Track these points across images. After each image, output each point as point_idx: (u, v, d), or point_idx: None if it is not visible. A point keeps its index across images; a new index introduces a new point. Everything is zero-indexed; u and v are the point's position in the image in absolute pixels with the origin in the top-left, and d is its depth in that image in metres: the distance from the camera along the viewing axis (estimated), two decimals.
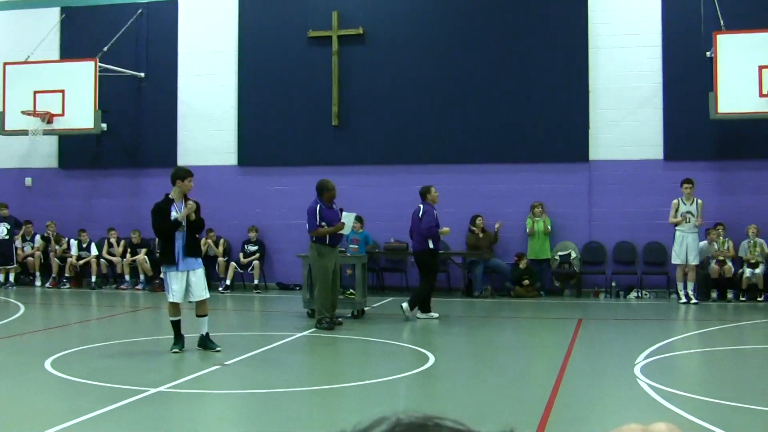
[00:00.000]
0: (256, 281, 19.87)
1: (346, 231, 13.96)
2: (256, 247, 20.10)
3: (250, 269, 19.97)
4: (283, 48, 20.58)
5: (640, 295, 18.13)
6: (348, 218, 13.84)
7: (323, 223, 13.52)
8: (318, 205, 13.63)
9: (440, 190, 18.96)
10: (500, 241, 19.27)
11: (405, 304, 14.63)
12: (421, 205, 14.82)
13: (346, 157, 20.08)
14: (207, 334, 11.26)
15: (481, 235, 18.94)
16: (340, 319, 13.99)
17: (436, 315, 14.71)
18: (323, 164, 19.85)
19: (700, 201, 17.27)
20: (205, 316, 11.25)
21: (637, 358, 10.60)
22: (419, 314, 14.65)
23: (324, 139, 20.31)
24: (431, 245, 14.55)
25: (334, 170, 19.01)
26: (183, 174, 11.27)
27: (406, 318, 14.51)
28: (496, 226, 18.95)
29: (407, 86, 19.97)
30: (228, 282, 19.73)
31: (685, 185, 17.34)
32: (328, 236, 13.58)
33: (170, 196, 11.21)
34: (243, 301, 18.49)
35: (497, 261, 19.02)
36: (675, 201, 17.36)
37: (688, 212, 17.19)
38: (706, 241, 17.76)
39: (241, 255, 20.14)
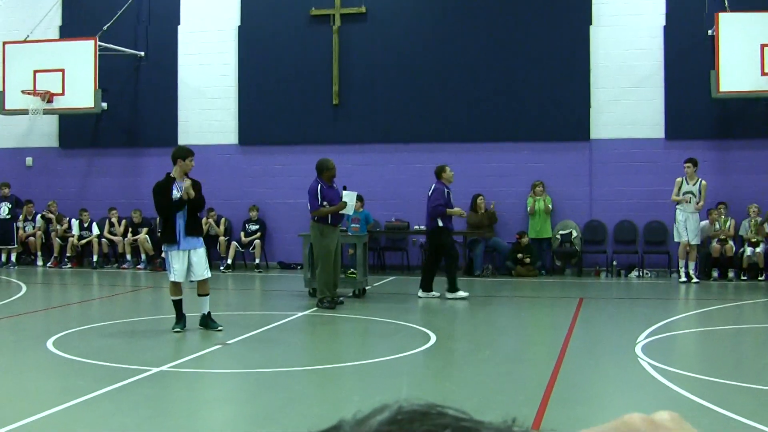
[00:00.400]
0: (257, 260, 19.89)
1: (348, 210, 13.88)
2: (257, 227, 20.10)
3: (251, 248, 19.98)
4: (284, 26, 20.52)
5: (641, 274, 18.14)
6: (349, 197, 13.76)
7: (324, 203, 13.46)
8: (319, 185, 13.57)
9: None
10: (501, 220, 19.26)
11: (449, 294, 14.61)
12: (434, 184, 14.75)
13: (346, 136, 20.05)
14: (208, 313, 11.26)
15: (482, 214, 18.90)
16: (341, 299, 13.97)
17: (437, 294, 14.69)
18: (323, 143, 19.82)
19: (704, 182, 17.16)
20: (206, 295, 11.25)
21: (638, 337, 10.59)
22: (420, 293, 14.64)
23: (324, 118, 20.28)
24: (440, 223, 14.45)
25: (334, 149, 18.97)
26: (184, 153, 11.24)
27: (445, 298, 14.52)
28: (491, 205, 18.96)
29: (408, 65, 19.91)
30: (229, 261, 19.75)
31: (687, 164, 17.26)
32: (329, 216, 13.53)
33: (171, 175, 11.18)
34: (244, 280, 18.49)
35: (498, 240, 19.02)
36: (679, 179, 17.30)
37: (690, 192, 17.13)
38: (707, 221, 17.76)
39: (242, 234, 20.16)
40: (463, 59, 19.68)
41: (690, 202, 17.02)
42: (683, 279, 17.03)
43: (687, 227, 17.07)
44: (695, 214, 17.17)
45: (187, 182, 11.07)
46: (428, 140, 19.72)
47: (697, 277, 16.98)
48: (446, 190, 14.65)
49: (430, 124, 19.77)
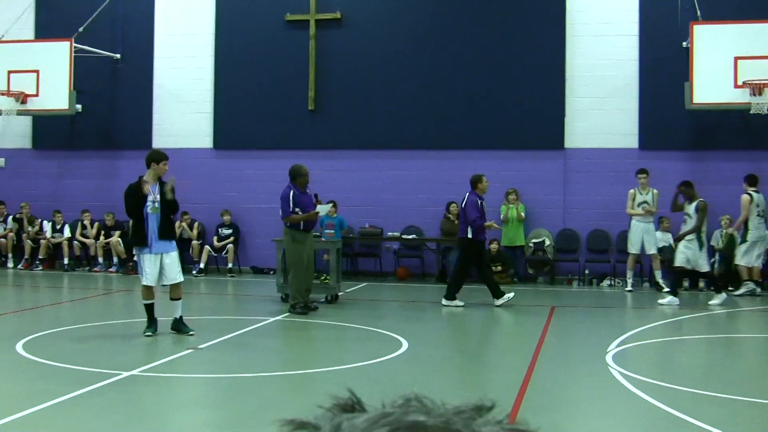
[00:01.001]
0: (230, 265, 19.84)
1: (322, 211, 13.93)
2: (230, 231, 20.07)
3: (224, 253, 19.95)
4: (260, 31, 20.52)
5: (613, 283, 18.22)
6: (322, 208, 13.90)
7: (297, 209, 13.45)
8: (291, 191, 13.53)
9: (415, 176, 19.40)
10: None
11: (443, 302, 14.67)
12: (467, 194, 14.71)
13: (321, 141, 20.05)
14: (180, 317, 11.22)
15: (455, 221, 18.89)
16: (315, 305, 13.96)
17: (461, 304, 14.63)
18: (299, 148, 19.80)
19: (655, 191, 17.38)
20: (178, 299, 11.21)
21: (609, 345, 10.67)
22: (444, 302, 14.65)
23: (300, 124, 20.26)
24: (470, 234, 14.45)
25: (309, 154, 18.99)
26: (158, 157, 11.20)
27: (459, 307, 14.54)
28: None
29: (384, 71, 19.95)
30: (202, 265, 19.69)
31: (641, 175, 17.46)
32: (301, 222, 13.51)
33: (144, 179, 11.14)
34: (217, 284, 18.43)
35: None
36: (632, 191, 17.48)
37: (644, 202, 17.33)
38: (660, 231, 17.97)
39: (215, 238, 20.14)
40: (439, 67, 19.72)
41: (647, 211, 17.23)
42: (629, 288, 17.26)
43: (644, 238, 17.25)
44: (650, 223, 17.41)
45: (172, 179, 11.05)
46: (403, 147, 19.78)
47: (670, 287, 16.94)
48: (480, 201, 14.62)
49: (405, 130, 19.81)
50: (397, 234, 19.23)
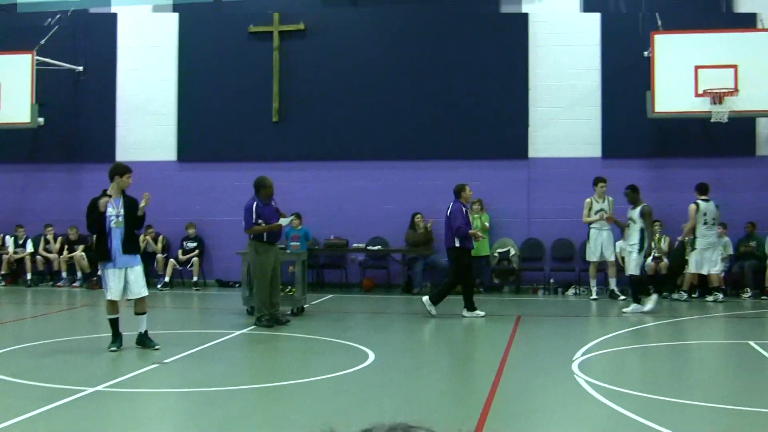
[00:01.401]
0: (195, 278, 19.75)
1: (284, 222, 13.88)
2: (195, 244, 20.00)
3: (189, 266, 19.86)
4: (224, 43, 20.49)
5: (578, 291, 18.33)
6: (285, 220, 13.84)
7: (260, 221, 13.45)
8: (255, 203, 13.55)
9: (380, 187, 19.41)
10: (440, 238, 19.06)
11: (425, 298, 14.82)
12: (452, 203, 14.79)
13: (286, 153, 20.02)
14: (145, 332, 11.16)
15: (420, 232, 18.96)
16: (287, 318, 13.97)
17: (482, 313, 14.71)
18: (263, 160, 19.77)
19: (611, 198, 17.61)
20: (143, 313, 11.15)
21: (575, 354, 10.72)
22: (465, 313, 14.68)
23: (264, 135, 20.24)
24: (457, 243, 14.53)
25: (274, 166, 18.95)
26: (122, 170, 11.15)
27: (430, 314, 14.55)
28: (429, 223, 19.02)
29: (347, 83, 19.97)
30: (167, 279, 19.60)
31: (600, 184, 17.66)
32: (265, 233, 13.48)
33: (108, 192, 11.07)
34: (182, 298, 18.35)
35: (436, 258, 19.03)
36: (588, 200, 17.66)
37: (602, 210, 17.53)
38: (621, 240, 17.95)
39: (180, 251, 20.04)
40: (402, 78, 19.79)
41: (608, 219, 17.44)
42: (593, 296, 17.40)
43: (602, 245, 17.47)
44: (609, 231, 17.59)
45: (146, 196, 11.00)
46: (368, 158, 19.81)
47: (622, 293, 17.35)
48: (465, 209, 14.76)
49: (369, 141, 19.84)
50: (362, 245, 19.24)
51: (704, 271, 16.99)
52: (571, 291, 18.43)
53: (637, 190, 15.45)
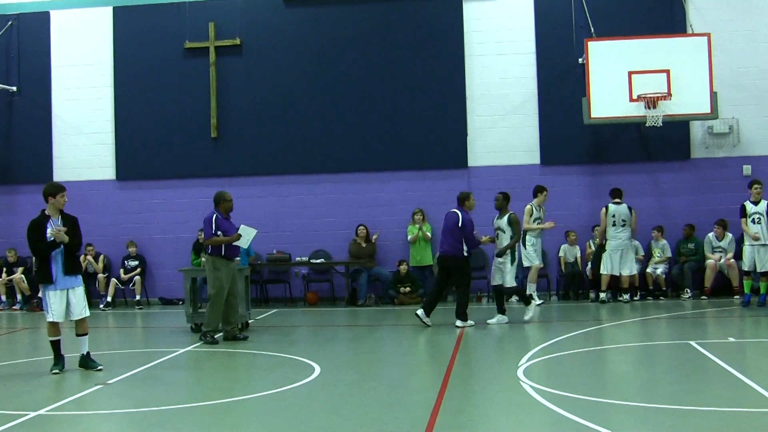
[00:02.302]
0: (137, 297, 19.62)
1: (242, 244, 13.79)
2: (136, 262, 19.85)
3: (131, 285, 19.73)
4: (160, 59, 20.44)
5: (520, 298, 18.19)
6: (246, 232, 13.73)
7: (219, 233, 13.45)
8: (214, 215, 13.56)
9: (321, 200, 19.58)
10: (383, 249, 19.46)
11: (458, 321, 14.49)
12: (458, 212, 14.63)
13: (225, 168, 20.05)
14: (88, 353, 11.03)
15: (363, 244, 19.00)
16: (245, 334, 13.94)
17: (472, 323, 14.61)
18: (203, 176, 19.94)
19: (543, 208, 17.87)
20: (85, 335, 11.02)
21: (520, 360, 10.76)
22: (457, 322, 14.50)
23: (203, 151, 20.20)
24: (466, 252, 14.51)
25: (213, 182, 19.22)
26: (53, 190, 11.00)
27: (456, 327, 14.41)
28: (373, 237, 19.12)
29: (285, 96, 20.04)
30: (109, 299, 19.40)
31: (545, 192, 17.83)
32: (223, 248, 13.48)
33: (46, 213, 10.93)
34: (125, 317, 18.14)
35: (380, 269, 19.16)
36: (528, 207, 17.74)
37: (539, 218, 17.73)
38: (566, 244, 18.74)
39: (121, 271, 19.88)
40: (340, 90, 19.87)
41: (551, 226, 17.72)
42: (539, 302, 17.63)
43: (536, 250, 17.68)
44: (540, 238, 17.85)
45: (60, 228, 10.80)
46: (308, 171, 19.89)
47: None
48: (470, 218, 14.68)
49: (310, 155, 19.89)
50: (305, 259, 19.24)
51: (616, 272, 17.40)
52: (513, 298, 18.28)
53: (508, 198, 15.30)
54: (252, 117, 20.17)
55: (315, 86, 20.00)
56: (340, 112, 19.89)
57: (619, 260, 17.39)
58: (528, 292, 17.61)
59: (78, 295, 10.92)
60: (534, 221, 17.62)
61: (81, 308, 10.93)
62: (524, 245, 17.59)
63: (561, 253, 18.66)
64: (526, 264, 17.72)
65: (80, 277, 11.09)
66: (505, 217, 14.93)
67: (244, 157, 20.08)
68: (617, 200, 17.51)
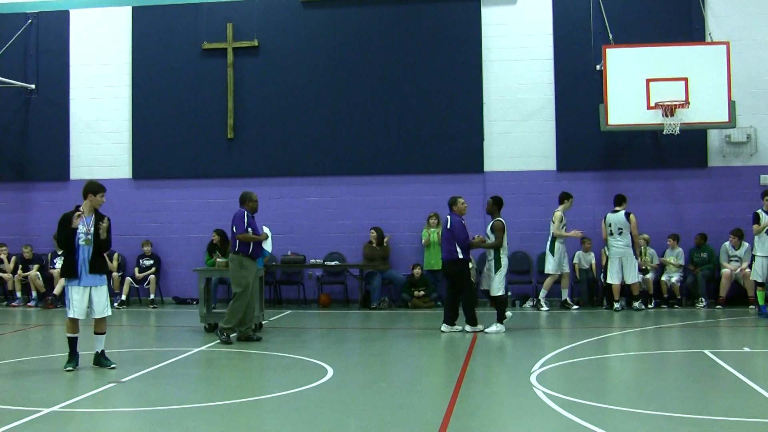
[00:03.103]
0: (152, 296, 19.61)
1: (267, 247, 13.99)
2: (151, 261, 19.89)
3: (145, 284, 19.75)
4: (178, 60, 20.47)
5: (535, 304, 18.34)
6: (268, 231, 14.02)
7: (249, 230, 13.57)
8: (245, 212, 13.67)
9: (336, 202, 19.55)
10: (397, 253, 19.42)
11: (468, 327, 14.39)
12: (449, 216, 14.60)
13: (241, 169, 20.02)
14: (102, 351, 11.06)
15: (377, 247, 18.97)
16: (258, 335, 13.95)
17: (459, 327, 14.49)
18: (218, 177, 19.96)
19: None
20: (102, 333, 11.06)
21: (533, 366, 10.74)
22: (467, 327, 14.41)
23: (219, 152, 20.20)
24: (461, 255, 14.33)
25: (228, 183, 19.33)
26: (95, 188, 11.10)
27: (464, 332, 14.32)
28: (385, 239, 19.09)
29: (302, 98, 20.01)
30: (123, 297, 19.44)
31: (571, 199, 17.90)
32: (251, 246, 13.56)
33: (80, 209, 10.98)
34: (139, 316, 18.18)
35: (393, 272, 19.12)
36: (559, 213, 17.74)
37: (565, 224, 17.79)
38: (581, 250, 18.66)
39: (136, 269, 19.93)
40: (357, 93, 19.85)
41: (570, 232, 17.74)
42: (546, 308, 17.67)
43: (560, 259, 17.74)
44: (564, 245, 17.91)
45: (105, 223, 10.91)
46: (323, 173, 19.86)
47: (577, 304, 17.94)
48: (463, 221, 14.56)
49: (325, 157, 19.87)
50: (319, 261, 19.22)
51: (615, 281, 17.35)
52: (528, 303, 18.53)
53: (499, 203, 14.96)
54: (268, 118, 20.16)
55: (331, 88, 19.98)
56: (355, 115, 19.86)
57: (620, 268, 17.32)
58: (563, 298, 17.89)
59: (101, 293, 10.98)
60: (563, 227, 17.67)
61: (103, 307, 10.98)
62: (552, 252, 17.63)
63: (575, 260, 18.55)
64: (546, 270, 17.77)
65: (105, 277, 11.14)
66: (491, 223, 14.78)
67: (260, 158, 20.08)
68: (617, 208, 17.50)
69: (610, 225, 17.40)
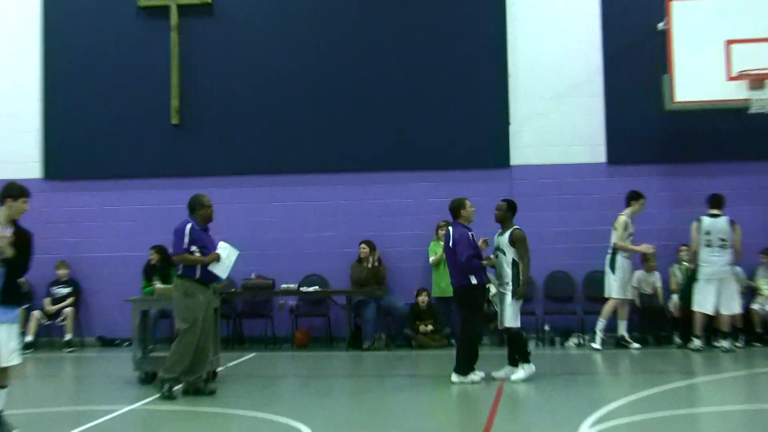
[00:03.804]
0: (68, 336, 19.48)
1: (221, 272, 13.55)
2: (67, 290, 19.89)
3: (60, 319, 19.63)
4: (105, 23, 20.52)
5: (582, 342, 18.19)
6: (227, 252, 13.52)
7: (193, 248, 13.25)
8: (189, 225, 13.35)
9: (316, 209, 19.74)
10: (396, 274, 19.43)
11: (454, 376, 13.85)
12: (451, 228, 14.17)
13: (190, 165, 20.03)
14: (1, 412, 10.66)
15: (369, 267, 18.83)
16: (212, 387, 13.67)
17: (477, 377, 13.90)
18: (159, 175, 20.08)
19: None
20: (3, 388, 10.67)
21: (581, 426, 10.51)
22: (453, 377, 13.89)
23: (161, 143, 20.22)
24: (474, 280, 13.85)
25: (173, 184, 19.47)
26: (16, 192, 10.75)
27: (474, 383, 13.83)
28: (377, 257, 19.09)
29: (272, 73, 20.06)
30: (30, 338, 19.22)
31: (642, 200, 17.70)
32: (199, 269, 13.29)
33: None
34: (51, 363, 18.02)
35: (392, 300, 19.05)
36: (623, 218, 17.56)
37: (632, 234, 17.65)
38: (641, 270, 18.40)
39: (47, 300, 19.83)
40: (343, 67, 19.93)
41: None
42: (598, 345, 17.46)
43: (624, 277, 17.63)
44: (629, 261, 17.76)
45: (5, 234, 10.48)
46: (299, 171, 19.87)
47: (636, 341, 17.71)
48: (470, 233, 14.05)
49: (302, 149, 19.87)
50: (293, 286, 19.01)
51: (709, 310, 17.04)
52: (572, 341, 18.37)
53: (514, 208, 14.58)
54: (226, 98, 20.12)
55: (310, 59, 19.97)
56: (342, 96, 19.83)
57: (715, 293, 17.01)
58: (619, 333, 17.65)
59: (9, 333, 10.54)
60: (627, 238, 17.48)
61: (10, 352, 10.56)
62: (612, 269, 17.51)
63: (635, 282, 18.32)
64: (607, 293, 17.63)
65: (18, 311, 10.79)
66: (507, 234, 14.22)
67: (214, 150, 20.03)
68: (715, 212, 17.23)
69: (708, 233, 17.07)
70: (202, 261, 13.28)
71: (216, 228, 14.80)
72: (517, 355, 14.16)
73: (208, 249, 13.40)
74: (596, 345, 17.48)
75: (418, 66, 19.59)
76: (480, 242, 14.23)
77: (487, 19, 19.48)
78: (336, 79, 19.80)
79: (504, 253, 14.14)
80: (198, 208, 13.59)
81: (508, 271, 14.07)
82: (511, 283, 14.04)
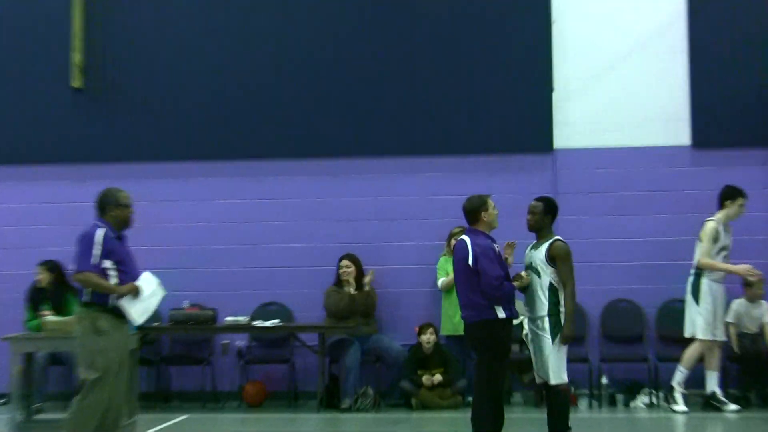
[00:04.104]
0: None
1: (137, 316, 12.04)
2: None
3: None
4: None
5: (655, 401, 16.77)
6: (151, 288, 12.13)
7: (106, 264, 11.43)
8: (102, 231, 11.77)
9: (277, 209, 19.47)
10: (390, 303, 18.41)
11: None
12: (467, 238, 12.33)
13: (101, 147, 19.15)
14: None
15: (353, 291, 17.39)
16: None
17: None
18: (56, 161, 19.22)
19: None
20: None
21: None
22: None
23: (56, 114, 19.28)
24: (501, 313, 12.05)
25: (75, 171, 18.75)
26: None
27: None
28: (367, 278, 17.84)
29: (223, 19, 19.27)
30: None
31: (741, 200, 16.29)
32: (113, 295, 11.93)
33: None
34: None
35: (384, 340, 17.68)
36: (712, 225, 16.14)
37: (726, 247, 16.28)
38: (742, 300, 17.00)
39: None
40: (327, 20, 19.11)
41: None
42: (682, 407, 16.08)
43: (715, 308, 16.14)
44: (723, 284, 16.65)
45: None
46: (257, 156, 18.86)
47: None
48: (495, 246, 12.31)
49: (260, 126, 18.94)
50: (242, 319, 17.63)
51: None
52: (641, 400, 16.84)
53: (553, 210, 12.89)
54: (156, 54, 19.05)
55: (279, 7, 18.89)
56: (324, 58, 18.80)
57: None
58: (708, 390, 16.12)
59: None
60: (719, 253, 15.92)
61: None
62: (696, 297, 15.92)
63: (730, 317, 17.02)
64: (689, 333, 16.06)
65: None
66: (544, 247, 12.49)
67: (137, 127, 18.85)
68: None
69: None
70: (115, 291, 11.80)
71: (135, 237, 13.01)
72: (554, 422, 12.51)
73: (126, 266, 11.97)
74: (678, 407, 16.01)
75: (429, 28, 18.60)
76: (506, 248, 12.57)
77: None
78: (321, 38, 18.86)
79: (538, 275, 12.42)
80: (111, 208, 12.15)
81: (543, 301, 12.29)
82: (547, 319, 12.27)
